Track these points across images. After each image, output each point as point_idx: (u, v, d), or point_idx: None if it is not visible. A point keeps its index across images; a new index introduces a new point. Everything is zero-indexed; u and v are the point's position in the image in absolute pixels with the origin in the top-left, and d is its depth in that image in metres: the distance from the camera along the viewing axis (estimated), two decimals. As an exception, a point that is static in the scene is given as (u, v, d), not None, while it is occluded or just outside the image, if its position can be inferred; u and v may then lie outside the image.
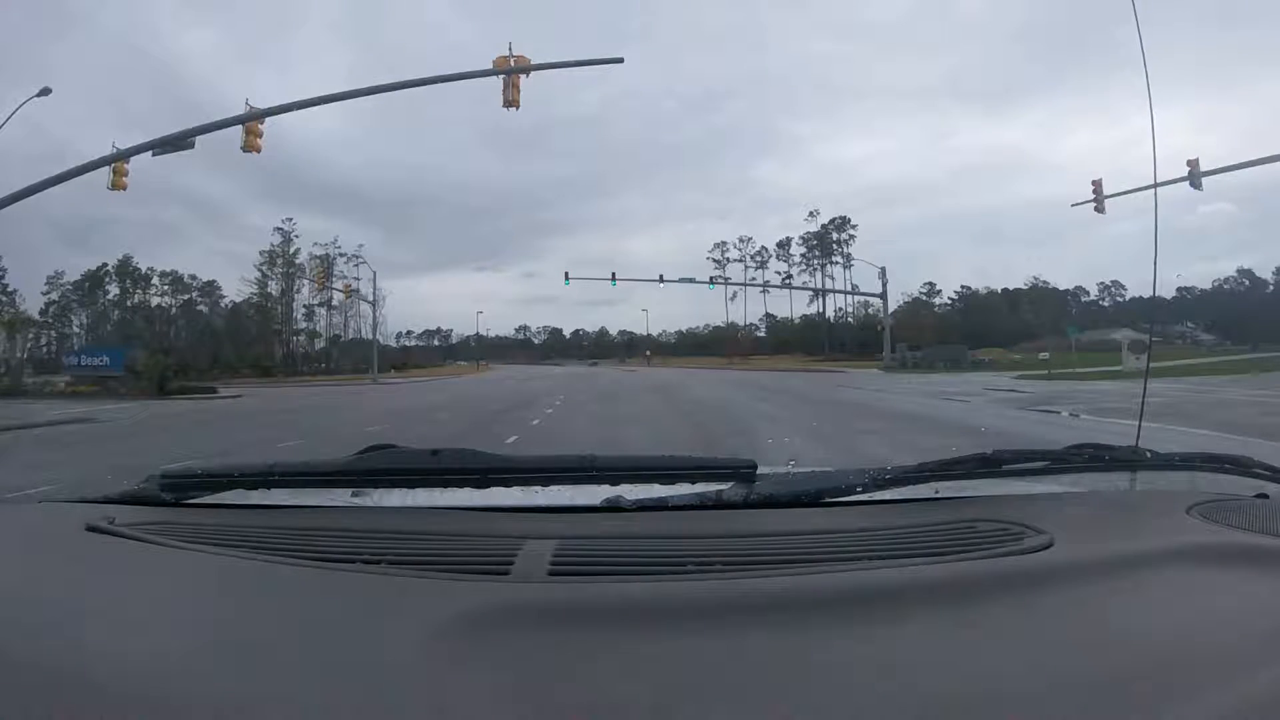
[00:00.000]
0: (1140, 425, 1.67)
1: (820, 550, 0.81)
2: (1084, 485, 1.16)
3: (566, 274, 45.36)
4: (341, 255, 71.22)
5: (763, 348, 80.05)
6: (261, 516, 1.04)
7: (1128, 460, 1.15)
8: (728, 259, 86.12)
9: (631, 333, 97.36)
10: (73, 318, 68.16)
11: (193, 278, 69.34)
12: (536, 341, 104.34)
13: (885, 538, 0.85)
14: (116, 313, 69.11)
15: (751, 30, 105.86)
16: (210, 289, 69.77)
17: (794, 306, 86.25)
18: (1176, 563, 0.77)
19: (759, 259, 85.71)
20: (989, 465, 1.06)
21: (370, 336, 74.48)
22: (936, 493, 1.06)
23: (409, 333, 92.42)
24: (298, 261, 69.56)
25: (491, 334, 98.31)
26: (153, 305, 70.17)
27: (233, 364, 54.30)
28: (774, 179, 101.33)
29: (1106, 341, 45.25)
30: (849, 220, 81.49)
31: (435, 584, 0.73)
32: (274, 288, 68.66)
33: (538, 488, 1.08)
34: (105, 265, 66.80)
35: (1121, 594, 0.71)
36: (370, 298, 65.08)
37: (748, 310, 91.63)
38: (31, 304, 60.78)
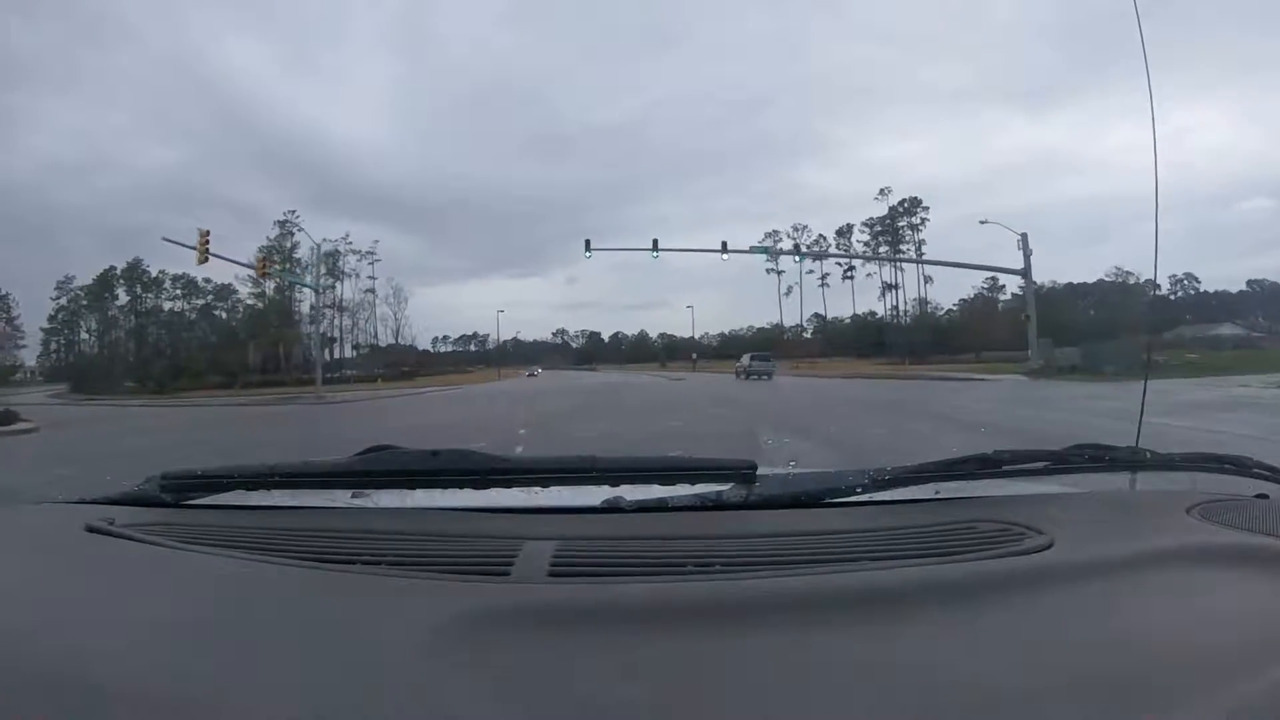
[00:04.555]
0: (1140, 425, 1.62)
1: (820, 551, 0.81)
2: (1084, 486, 1.15)
3: (588, 242, 34.59)
4: (354, 252, 67.74)
5: (813, 350, 71.61)
6: (261, 517, 1.04)
7: (1128, 460, 1.14)
8: (781, 250, 78.11)
9: (672, 335, 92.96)
10: (81, 323, 66.11)
11: (206, 281, 66.19)
12: (574, 346, 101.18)
13: (885, 538, 0.85)
14: (133, 318, 67.04)
15: (789, 35, 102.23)
16: (226, 292, 66.55)
17: (856, 302, 77.59)
18: (1176, 563, 0.77)
19: (817, 247, 77.35)
20: (989, 466, 1.05)
21: (391, 339, 68.95)
22: (937, 493, 1.06)
23: (445, 338, 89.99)
24: (297, 256, 64.36)
25: (529, 338, 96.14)
26: (165, 309, 67.82)
27: (199, 371, 51.17)
28: (813, 182, 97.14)
29: (1210, 338, 39.85)
30: (920, 201, 71.87)
31: (435, 585, 0.73)
32: (270, 286, 63.71)
33: (537, 488, 1.08)
34: (114, 268, 64.84)
35: (1121, 594, 0.71)
36: (394, 296, 59.37)
37: (804, 307, 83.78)
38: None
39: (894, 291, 71.35)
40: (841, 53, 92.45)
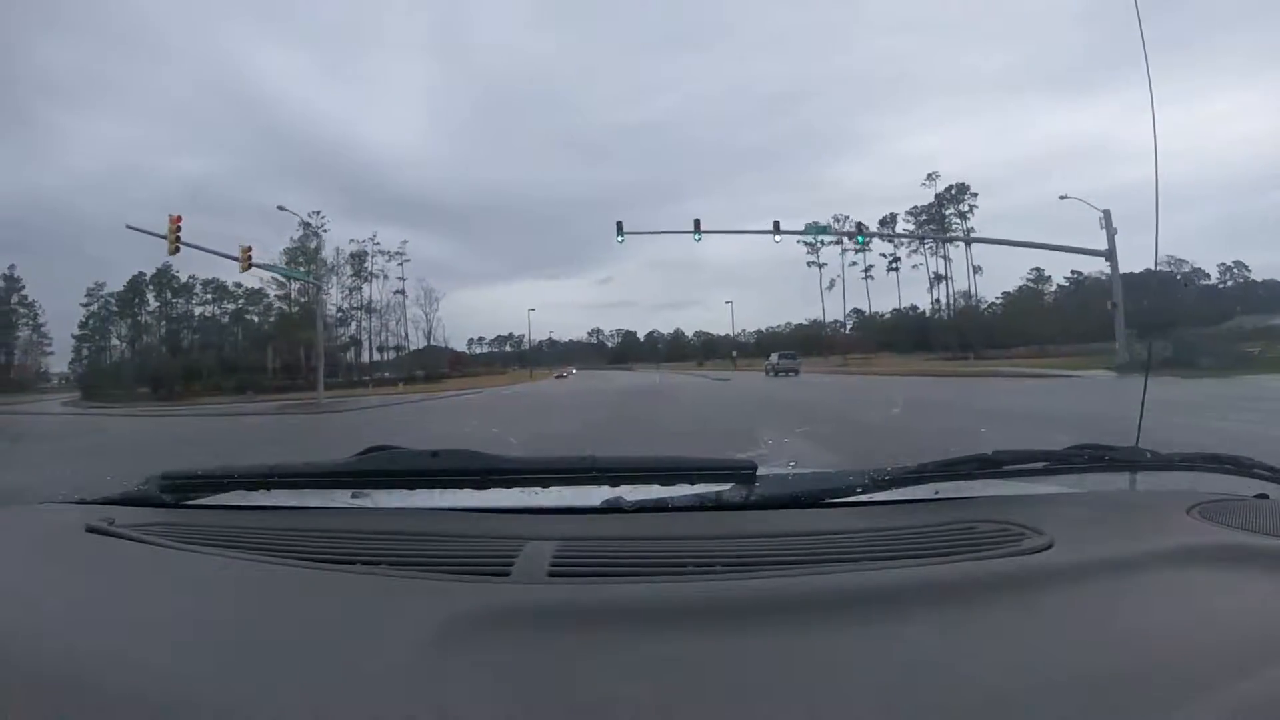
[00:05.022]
0: (1140, 425, 1.63)
1: (820, 551, 0.81)
2: (1084, 486, 1.15)
3: (619, 225, 30.58)
4: (382, 253, 67.30)
5: (858, 345, 67.95)
6: (262, 517, 1.05)
7: (1128, 460, 1.14)
8: (821, 241, 74.25)
9: (708, 333, 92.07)
10: (111, 330, 65.93)
11: (237, 285, 64.89)
12: (609, 345, 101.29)
13: (885, 538, 0.85)
14: (163, 324, 66.56)
15: (823, 27, 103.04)
16: (258, 296, 65.64)
17: (901, 295, 73.37)
18: (1177, 563, 0.77)
19: (858, 241, 73.32)
20: (989, 466, 1.05)
21: (428, 340, 66.62)
22: (937, 493, 1.06)
23: (480, 339, 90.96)
24: (322, 257, 62.50)
25: (564, 339, 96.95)
26: (196, 314, 67.45)
27: (215, 377, 50.76)
28: (851, 176, 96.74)
29: (1268, 329, 34.85)
30: (967, 187, 67.41)
31: (435, 585, 0.73)
32: (294, 289, 62.04)
33: (538, 489, 1.08)
34: (143, 274, 64.58)
35: (1121, 594, 0.71)
36: (425, 297, 57.17)
37: (846, 300, 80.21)
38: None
39: (943, 283, 66.90)
40: (875, 44, 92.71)
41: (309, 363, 51.37)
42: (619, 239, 30.47)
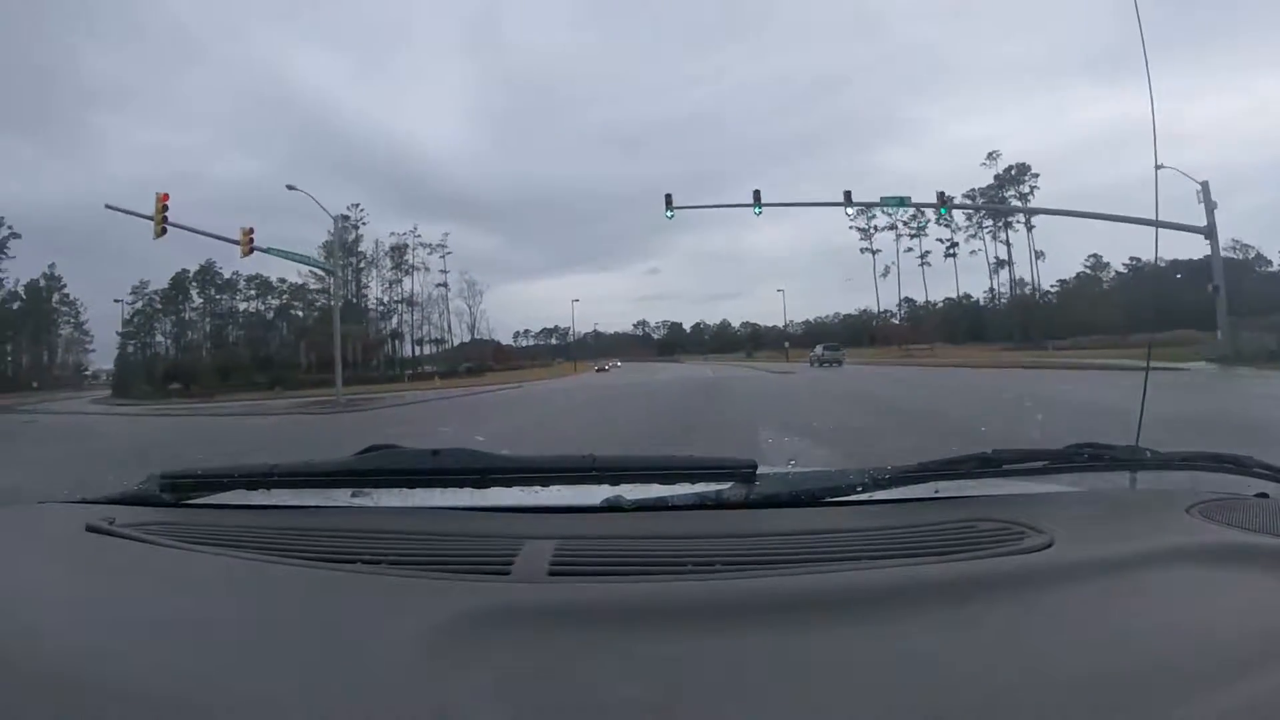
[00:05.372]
0: (1140, 424, 1.61)
1: (820, 550, 0.81)
2: (1084, 485, 1.15)
3: (669, 198, 26.93)
4: (424, 245, 67.56)
5: (903, 336, 64.43)
6: (262, 517, 1.05)
7: (1128, 460, 1.14)
8: (875, 227, 70.43)
9: (755, 324, 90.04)
10: (156, 326, 66.45)
11: (281, 280, 63.69)
12: (655, 337, 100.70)
13: (885, 537, 0.85)
14: (208, 320, 67.25)
15: (864, 15, 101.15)
16: (301, 291, 65.63)
17: (960, 283, 69.31)
18: (1176, 563, 0.77)
19: (915, 222, 69.31)
20: (989, 465, 1.05)
21: (472, 335, 65.00)
22: (936, 492, 1.06)
23: (526, 331, 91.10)
24: (361, 250, 60.91)
25: (609, 331, 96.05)
26: (240, 310, 68.02)
27: (247, 372, 50.91)
28: (898, 163, 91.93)
29: None
30: (1028, 168, 62.96)
31: (435, 584, 0.73)
32: (331, 283, 60.75)
33: (538, 488, 1.08)
34: (186, 271, 65.12)
35: (1121, 594, 0.71)
36: (469, 290, 55.26)
37: (901, 287, 75.88)
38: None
39: (1005, 269, 62.50)
40: (918, 30, 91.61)
41: (350, 358, 49.87)
42: (668, 214, 27.09)
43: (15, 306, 60.17)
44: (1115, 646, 0.60)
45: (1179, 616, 0.67)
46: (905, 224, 68.90)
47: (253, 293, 67.16)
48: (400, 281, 68.75)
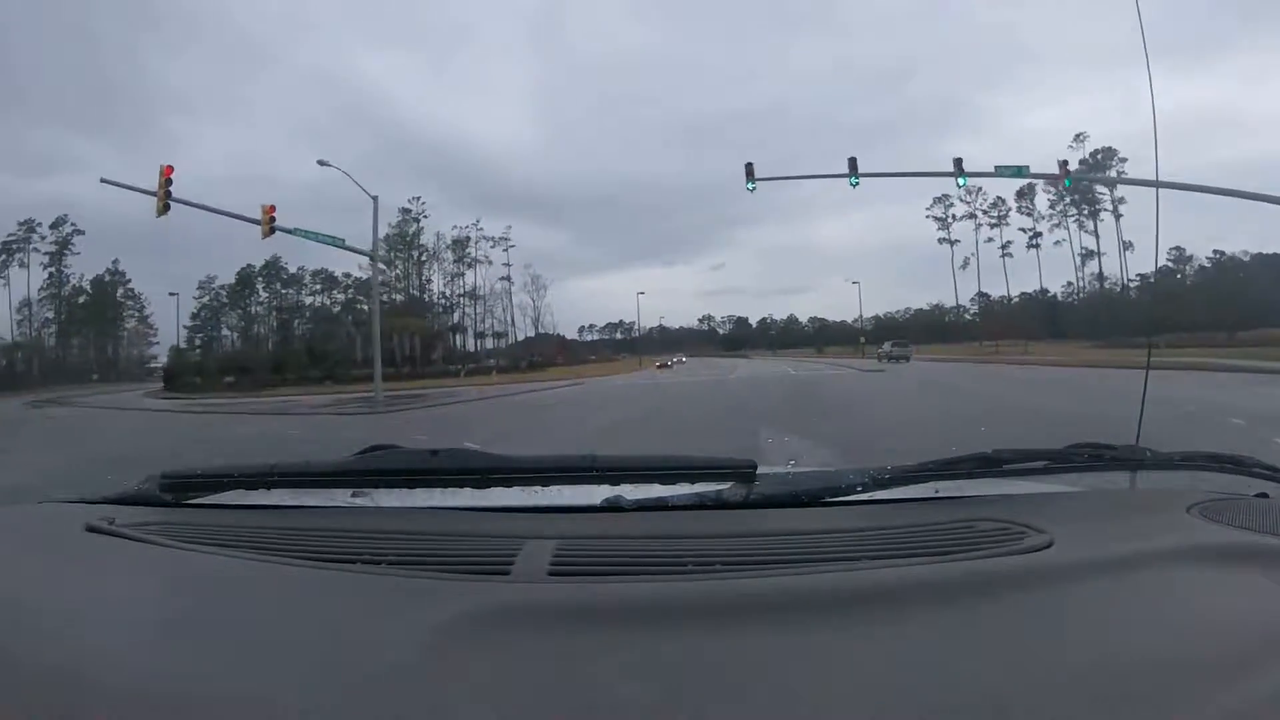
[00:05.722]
0: (1140, 424, 1.61)
1: (820, 550, 0.81)
2: (1084, 485, 1.15)
3: (749, 167, 22.35)
4: (486, 239, 66.43)
5: (978, 332, 60.67)
6: (261, 516, 1.05)
7: (1128, 460, 1.14)
8: (953, 216, 65.60)
9: (823, 319, 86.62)
10: (223, 320, 67.17)
11: (346, 275, 62.89)
12: (721, 332, 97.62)
13: (885, 537, 0.85)
14: (274, 315, 67.96)
15: (929, 2, 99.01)
16: (366, 285, 63.49)
17: (1044, 275, 63.95)
18: (1176, 563, 0.77)
19: (996, 211, 64.24)
20: (989, 465, 1.05)
21: (537, 330, 63.61)
22: (936, 492, 1.06)
23: (591, 326, 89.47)
24: (422, 242, 59.53)
25: (675, 325, 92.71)
26: (306, 305, 68.42)
27: (301, 367, 49.71)
28: (969, 154, 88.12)
29: None
30: (1115, 152, 57.42)
31: (435, 584, 0.73)
32: (393, 275, 59.56)
33: (538, 488, 1.07)
34: (251, 266, 65.56)
35: (1121, 594, 0.71)
36: (532, 284, 53.71)
37: (981, 279, 71.04)
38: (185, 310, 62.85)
39: (1093, 260, 57.11)
40: (988, 16, 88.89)
41: (408, 351, 48.18)
42: (749, 186, 23.71)
43: (81, 300, 60.95)
44: (1115, 646, 0.60)
45: (1179, 616, 0.67)
46: (985, 212, 63.94)
47: (318, 287, 67.12)
48: (462, 275, 67.56)
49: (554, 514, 1.02)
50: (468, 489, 1.05)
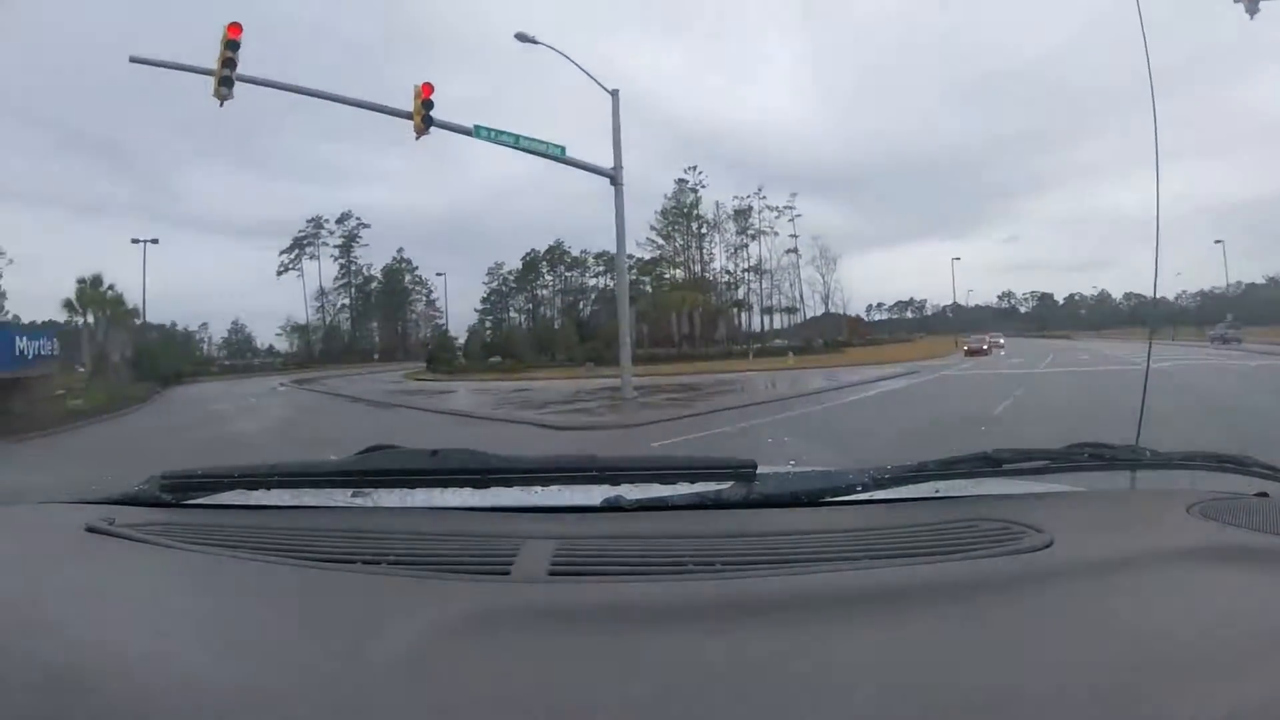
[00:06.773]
0: (1140, 423, 1.58)
1: (820, 550, 0.81)
2: (1084, 484, 1.14)
3: None
4: (770, 209, 60.98)
5: None
6: (262, 517, 1.05)
7: (1128, 459, 1.14)
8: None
9: (1140, 295, 70.41)
10: (510, 304, 68.40)
11: (629, 256, 60.81)
12: (1022, 311, 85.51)
13: (885, 537, 0.85)
14: (559, 298, 67.80)
15: None
16: (650, 266, 62.26)
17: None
18: (1176, 562, 0.77)
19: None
20: (989, 464, 1.05)
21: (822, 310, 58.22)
22: (936, 492, 1.06)
23: (879, 305, 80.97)
24: (700, 214, 55.47)
25: (971, 303, 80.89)
26: (590, 286, 67.11)
27: (570, 347, 47.11)
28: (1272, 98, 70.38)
29: None
30: None
31: (436, 584, 0.73)
32: (672, 249, 55.92)
33: (538, 487, 1.08)
34: (535, 251, 66.05)
35: (1121, 594, 0.71)
36: (821, 257, 48.49)
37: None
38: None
39: None
40: None
41: (687, 330, 43.81)
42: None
43: (373, 286, 64.86)
44: (1115, 646, 0.60)
45: (1179, 616, 0.67)
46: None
47: (600, 269, 66.16)
48: (745, 247, 62.30)
49: (554, 514, 1.01)
50: (468, 489, 1.05)
